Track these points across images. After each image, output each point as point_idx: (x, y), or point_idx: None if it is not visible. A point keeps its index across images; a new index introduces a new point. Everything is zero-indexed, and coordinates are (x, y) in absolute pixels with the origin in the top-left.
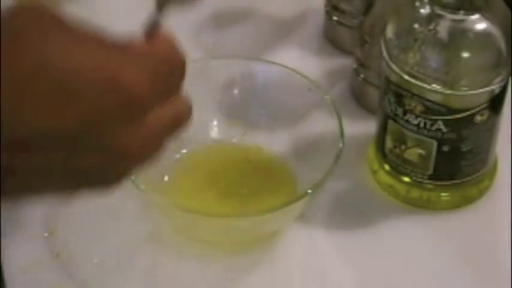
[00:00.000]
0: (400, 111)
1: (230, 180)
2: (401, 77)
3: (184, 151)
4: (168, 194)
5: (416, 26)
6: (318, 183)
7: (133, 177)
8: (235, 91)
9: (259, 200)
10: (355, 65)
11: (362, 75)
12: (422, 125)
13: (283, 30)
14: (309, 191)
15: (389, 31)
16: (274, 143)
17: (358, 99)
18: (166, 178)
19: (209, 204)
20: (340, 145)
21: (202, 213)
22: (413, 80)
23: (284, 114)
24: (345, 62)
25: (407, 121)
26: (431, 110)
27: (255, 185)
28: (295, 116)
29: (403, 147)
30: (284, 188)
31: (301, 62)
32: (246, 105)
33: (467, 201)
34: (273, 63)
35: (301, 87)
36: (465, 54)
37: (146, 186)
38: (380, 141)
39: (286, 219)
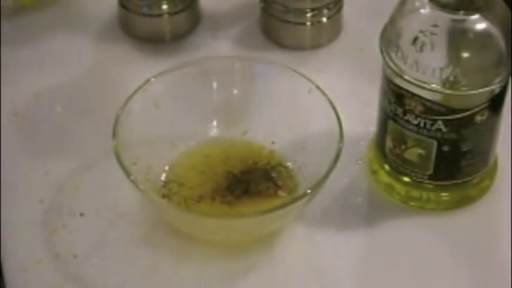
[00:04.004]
0: (400, 111)
1: (230, 180)
2: (402, 77)
3: (184, 151)
4: (167, 194)
5: (416, 26)
6: (318, 183)
7: (133, 177)
8: (235, 91)
9: (259, 200)
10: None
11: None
12: (422, 125)
13: None
14: (309, 191)
15: (389, 31)
16: (273, 142)
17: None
18: (165, 178)
19: (209, 204)
20: (340, 145)
21: (202, 213)
22: (413, 80)
23: (284, 114)
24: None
25: (407, 121)
26: (431, 110)
27: (255, 185)
28: (295, 116)
29: (403, 147)
30: (284, 188)
31: None
32: (246, 105)
33: (467, 201)
34: (273, 63)
35: (301, 87)
36: (465, 54)
37: (146, 186)
38: (380, 141)
39: (286, 219)
